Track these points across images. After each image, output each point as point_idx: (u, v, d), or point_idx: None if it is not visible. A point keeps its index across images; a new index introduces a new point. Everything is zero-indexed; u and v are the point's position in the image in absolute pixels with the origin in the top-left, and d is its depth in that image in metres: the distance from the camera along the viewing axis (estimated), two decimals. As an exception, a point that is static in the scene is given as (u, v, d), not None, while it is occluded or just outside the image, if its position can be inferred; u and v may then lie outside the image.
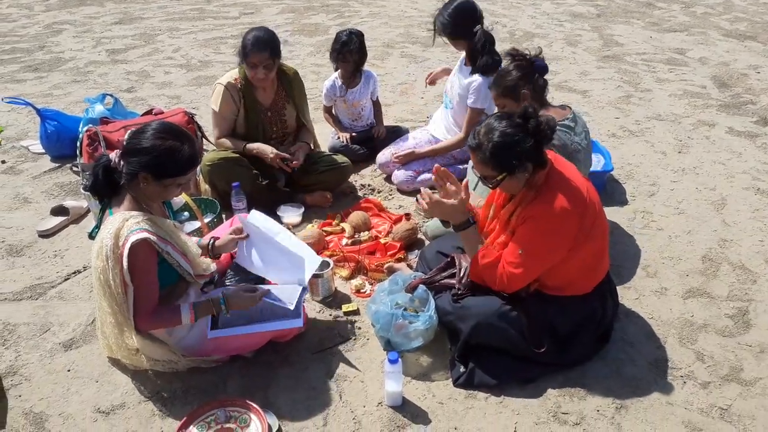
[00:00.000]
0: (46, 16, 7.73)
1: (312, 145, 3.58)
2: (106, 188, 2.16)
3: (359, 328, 2.58)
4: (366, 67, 3.97)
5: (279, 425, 2.12)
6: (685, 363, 2.40)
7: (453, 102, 3.58)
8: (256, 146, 3.28)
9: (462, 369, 2.30)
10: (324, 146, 3.84)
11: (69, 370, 2.38)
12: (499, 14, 7.59)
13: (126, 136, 2.16)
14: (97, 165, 2.14)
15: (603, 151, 3.67)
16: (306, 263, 2.45)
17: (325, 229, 3.21)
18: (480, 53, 3.35)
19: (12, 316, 2.68)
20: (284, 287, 2.42)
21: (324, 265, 2.70)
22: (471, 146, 2.15)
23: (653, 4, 8.08)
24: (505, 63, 2.76)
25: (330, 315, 2.66)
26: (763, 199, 3.55)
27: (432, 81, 4.05)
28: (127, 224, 2.04)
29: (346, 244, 3.08)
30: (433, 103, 4.85)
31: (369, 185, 3.73)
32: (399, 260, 2.95)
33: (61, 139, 3.98)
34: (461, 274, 2.37)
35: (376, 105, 4.13)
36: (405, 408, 2.20)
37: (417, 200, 2.35)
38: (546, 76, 2.73)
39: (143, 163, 2.05)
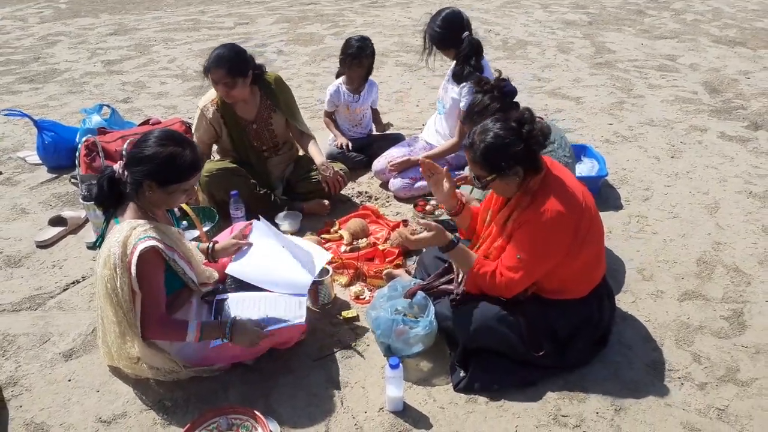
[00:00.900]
0: (41, 28, 7.75)
1: (317, 149, 3.48)
2: (111, 199, 2.18)
3: (359, 335, 2.59)
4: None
5: (281, 432, 2.13)
6: (682, 365, 2.43)
7: (446, 107, 3.61)
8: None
9: (462, 373, 2.32)
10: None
11: (70, 380, 2.38)
12: (492, 22, 7.66)
13: (125, 146, 2.18)
14: (102, 176, 2.16)
15: (597, 157, 3.70)
16: (315, 258, 2.51)
17: (323, 236, 3.23)
18: (465, 61, 3.40)
19: (11, 327, 2.68)
20: (285, 303, 2.42)
21: (323, 272, 2.72)
22: (465, 145, 2.20)
23: (644, 11, 8.18)
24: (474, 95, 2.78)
25: (330, 322, 2.67)
26: (756, 202, 3.60)
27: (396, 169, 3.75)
28: (134, 232, 2.06)
29: (345, 251, 3.10)
30: (428, 110, 4.88)
31: (366, 192, 3.76)
32: (397, 266, 2.97)
33: (58, 150, 3.99)
34: (459, 280, 2.39)
35: (375, 112, 4.17)
36: (406, 413, 2.21)
37: (412, 218, 2.39)
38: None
39: (147, 171, 2.07)
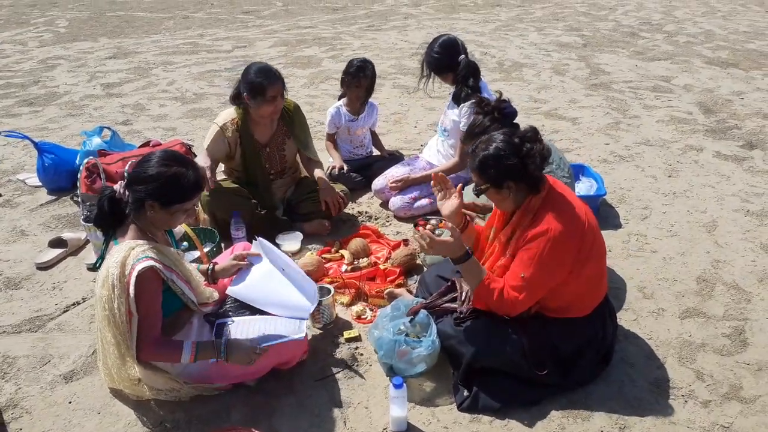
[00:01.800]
0: (40, 52, 7.81)
1: (321, 173, 3.48)
2: (110, 220, 2.18)
3: (361, 355, 2.58)
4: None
5: (284, 453, 2.12)
6: (686, 382, 2.43)
7: (448, 129, 3.65)
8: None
9: (466, 393, 2.31)
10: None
11: (70, 402, 2.36)
12: (487, 45, 7.76)
13: (127, 167, 2.19)
14: (102, 197, 2.15)
15: (595, 176, 3.73)
16: (312, 293, 2.52)
17: (324, 256, 3.24)
18: (463, 82, 3.47)
19: (11, 349, 2.66)
20: (285, 323, 2.40)
21: (325, 292, 2.72)
22: (468, 151, 2.26)
23: (637, 33, 8.31)
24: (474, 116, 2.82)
25: (332, 342, 2.66)
26: (753, 220, 3.62)
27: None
28: (133, 252, 2.06)
29: (346, 271, 3.10)
30: (426, 132, 4.93)
31: (366, 212, 3.77)
32: (399, 285, 2.97)
33: (58, 172, 4.00)
34: (463, 298, 2.39)
35: (374, 135, 4.21)
36: (410, 433, 2.20)
37: (413, 236, 2.38)
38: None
39: (150, 191, 2.07)
